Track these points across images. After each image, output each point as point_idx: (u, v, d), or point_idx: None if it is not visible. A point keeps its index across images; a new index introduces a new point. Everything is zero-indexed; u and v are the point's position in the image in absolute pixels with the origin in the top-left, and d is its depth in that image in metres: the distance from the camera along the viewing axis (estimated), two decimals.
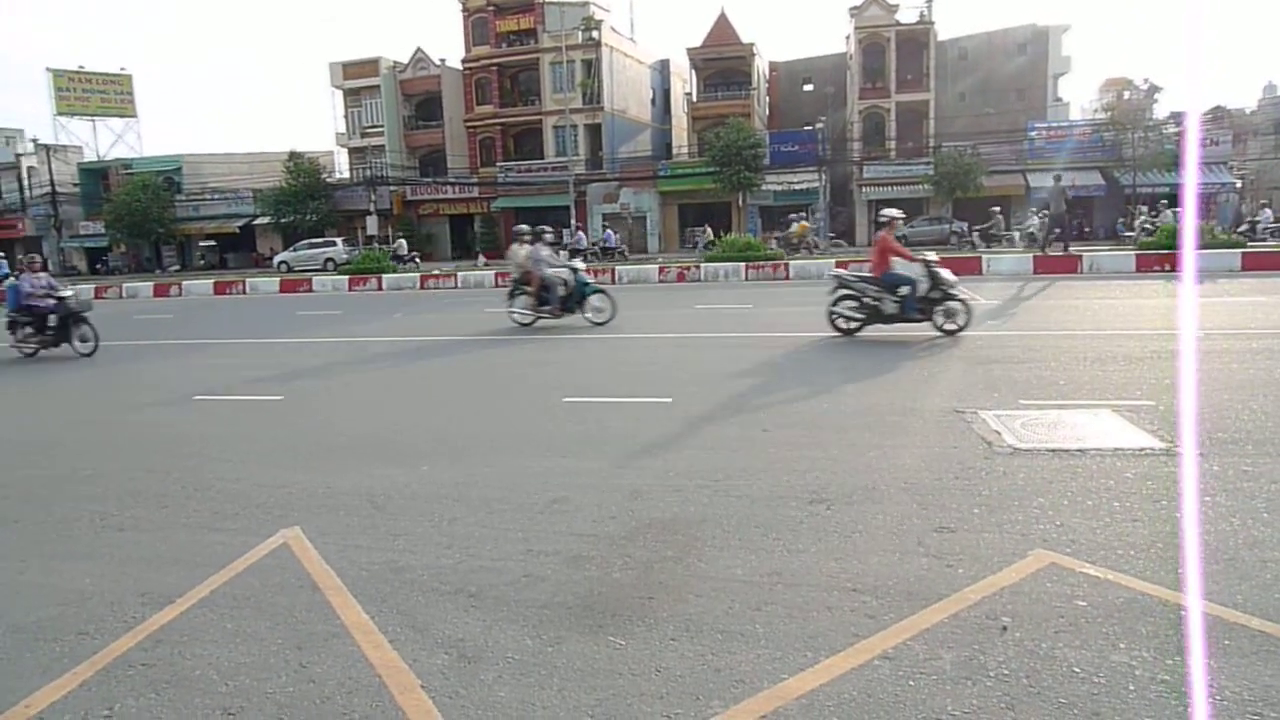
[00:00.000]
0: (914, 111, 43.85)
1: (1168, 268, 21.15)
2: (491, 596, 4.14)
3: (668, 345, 12.48)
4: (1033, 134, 41.22)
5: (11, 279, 17.78)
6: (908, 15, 43.84)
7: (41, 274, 14.59)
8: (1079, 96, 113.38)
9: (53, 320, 13.95)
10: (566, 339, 13.83)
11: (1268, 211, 33.35)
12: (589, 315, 14.40)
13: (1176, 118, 38.98)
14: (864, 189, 42.05)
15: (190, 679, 3.54)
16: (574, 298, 14.38)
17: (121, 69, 58.12)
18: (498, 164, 47.09)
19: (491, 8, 47.54)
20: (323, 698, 3.34)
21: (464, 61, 48.79)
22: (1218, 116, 41.24)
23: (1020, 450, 6.08)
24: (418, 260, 38.12)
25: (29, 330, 14.17)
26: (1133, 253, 22.96)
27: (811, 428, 6.97)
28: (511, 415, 8.20)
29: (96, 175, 54.81)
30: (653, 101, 53.22)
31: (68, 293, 14.17)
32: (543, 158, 46.50)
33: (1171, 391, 7.83)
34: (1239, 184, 40.97)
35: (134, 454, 7.36)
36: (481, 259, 38.93)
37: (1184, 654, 3.40)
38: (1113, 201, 38.96)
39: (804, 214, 38.75)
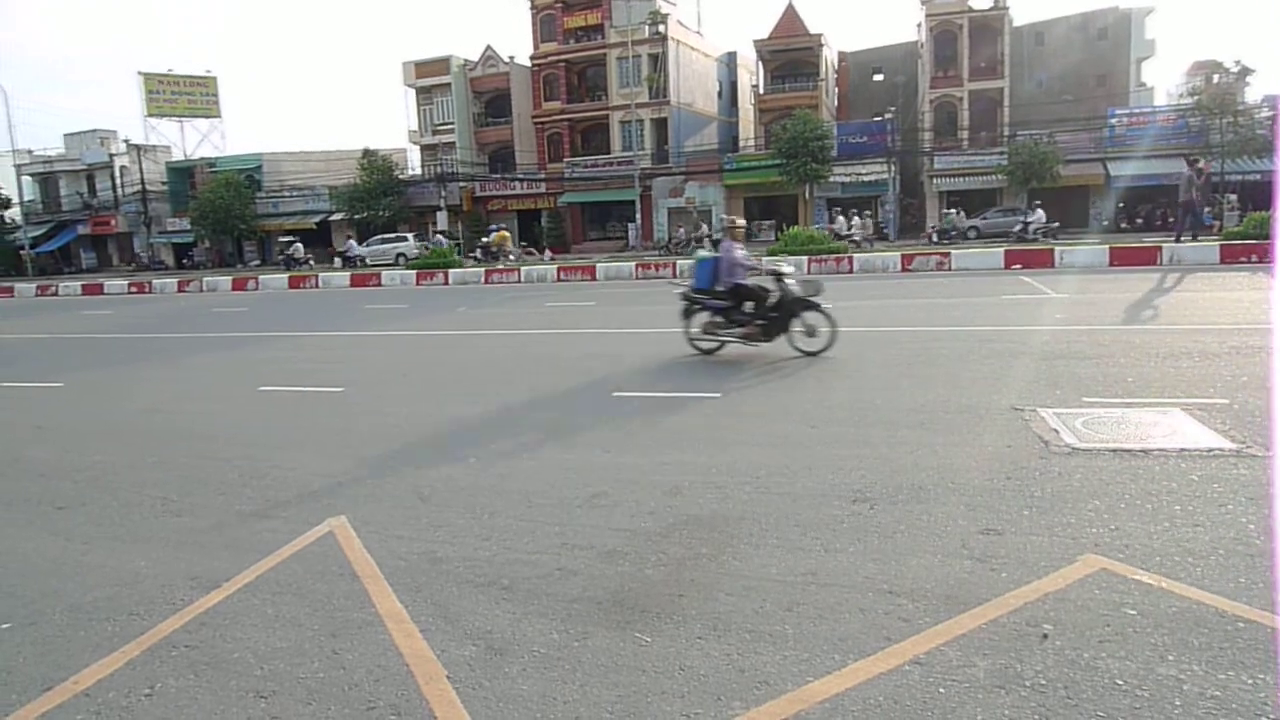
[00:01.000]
0: (988, 100, 42.58)
1: (1255, 259, 20.09)
2: (524, 589, 4.16)
3: None
4: (1113, 121, 39.58)
5: (702, 250, 13.33)
6: (981, 1, 42.55)
7: (740, 242, 10.73)
8: (1164, 81, 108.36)
9: (770, 305, 10.36)
10: (627, 333, 13.86)
11: (1040, 212, 31.13)
12: None
13: (1270, 101, 36.94)
14: (935, 180, 41.01)
15: (228, 661, 3.65)
16: None
17: (207, 72, 60.48)
18: (565, 159, 47.44)
19: (559, 4, 47.87)
20: (351, 684, 3.40)
21: (532, 58, 49.27)
22: None
23: (1079, 450, 5.84)
24: (511, 256, 37.50)
25: (720, 318, 10.58)
26: (1217, 243, 21.86)
27: (861, 425, 6.82)
28: (561, 408, 8.24)
29: (183, 173, 57.13)
30: (719, 94, 52.85)
31: (787, 268, 10.65)
32: (609, 153, 46.66)
33: (1249, 390, 7.42)
34: None
35: (198, 442, 7.63)
36: (548, 254, 39.20)
37: (1238, 668, 3.22)
38: (1200, 190, 37.14)
39: (503, 224, 39.21)
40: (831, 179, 40.48)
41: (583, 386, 9.29)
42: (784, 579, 4.12)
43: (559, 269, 28.43)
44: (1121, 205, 38.95)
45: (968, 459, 5.76)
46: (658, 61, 45.66)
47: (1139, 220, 38.20)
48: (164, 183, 56.82)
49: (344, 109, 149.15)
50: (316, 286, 31.87)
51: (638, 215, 41.94)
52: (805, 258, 24.17)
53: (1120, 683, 3.15)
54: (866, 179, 40.94)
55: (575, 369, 10.43)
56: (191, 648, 3.79)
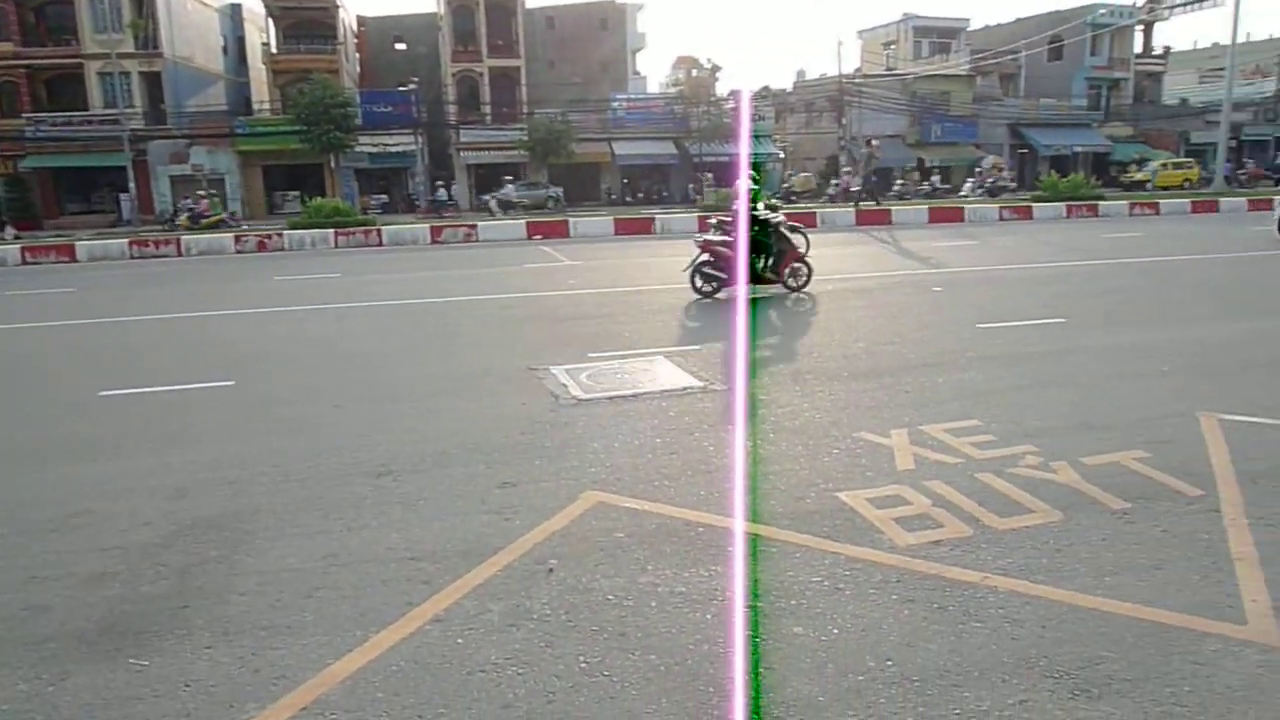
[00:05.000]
0: (507, 77, 44.64)
1: None
2: None
3: (234, 323, 11.35)
4: (615, 105, 44.27)
5: None
6: None
7: None
8: (656, 72, 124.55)
9: None
10: (118, 322, 12.02)
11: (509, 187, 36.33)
12: None
13: (734, 95, 44.32)
14: (463, 153, 42.07)
15: None
16: None
17: None
18: (24, 115, 39.09)
19: None
20: None
21: None
22: (764, 95, 47.79)
23: (583, 400, 6.54)
24: None
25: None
26: (696, 214, 25.86)
27: (386, 398, 6.82)
28: (28, 417, 6.90)
29: None
30: (224, 50, 47.83)
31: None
32: (87, 109, 39.52)
33: (714, 336, 8.97)
34: (782, 154, 48.04)
35: None
36: (10, 231, 32.13)
37: (698, 565, 3.90)
38: (684, 169, 43.45)
39: None
40: (358, 149, 39.27)
41: (58, 386, 7.88)
42: (304, 567, 3.97)
43: (24, 249, 23.43)
44: (626, 181, 43.91)
45: (487, 420, 6.11)
46: (143, 6, 39.72)
47: (640, 195, 43.46)
48: None
49: None
50: None
51: (131, 184, 36.35)
52: (332, 230, 23.20)
53: (611, 598, 3.63)
54: (395, 150, 40.46)
55: (49, 370, 8.80)
56: None
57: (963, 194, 36.24)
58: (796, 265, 11.71)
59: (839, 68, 42.71)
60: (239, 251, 22.73)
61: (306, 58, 42.47)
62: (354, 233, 23.33)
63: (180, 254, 22.33)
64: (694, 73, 44.01)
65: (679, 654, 3.19)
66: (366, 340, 9.45)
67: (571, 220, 24.92)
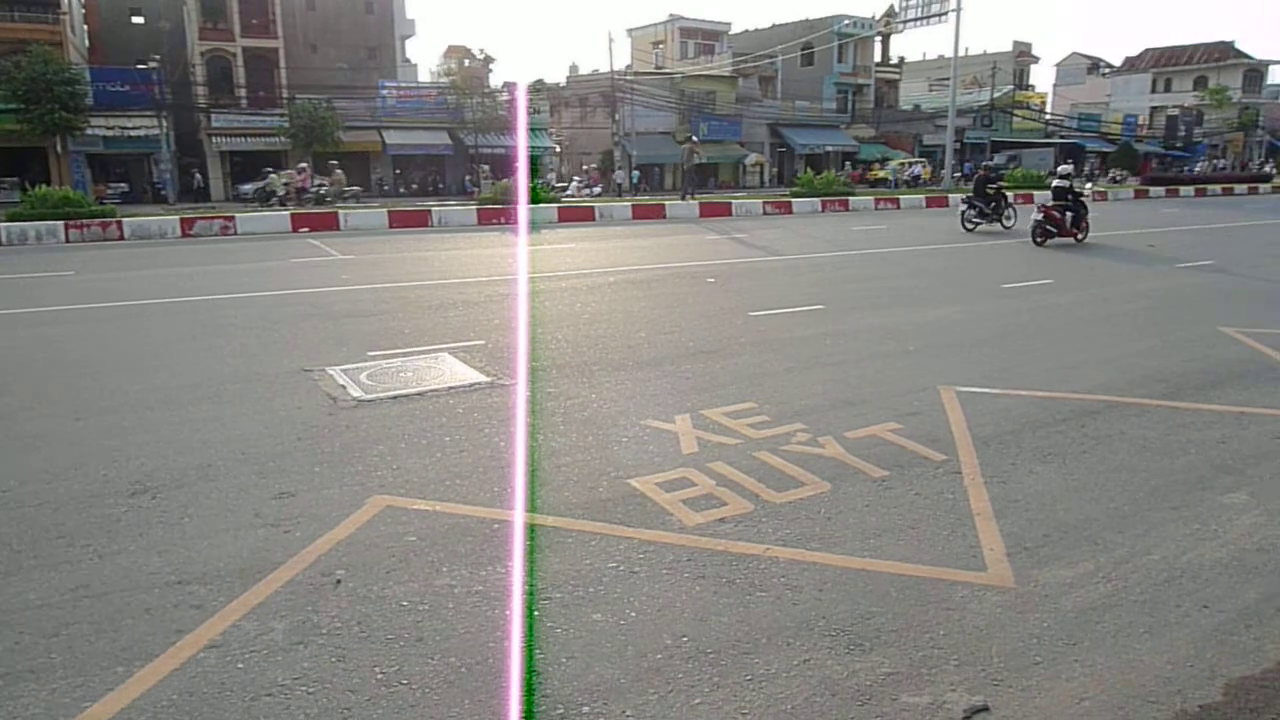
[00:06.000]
0: (263, 59, 41.52)
1: (503, 221, 23.99)
2: None
3: None
4: (385, 92, 42.51)
5: None
6: None
7: None
8: (427, 60, 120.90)
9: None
10: None
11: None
12: None
13: (509, 87, 43.95)
14: (215, 139, 38.71)
15: None
16: None
17: None
18: None
19: None
20: None
21: None
22: (539, 88, 47.74)
23: (364, 401, 6.25)
24: None
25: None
26: (475, 207, 25.44)
27: (136, 408, 6.15)
28: None
29: None
30: None
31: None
32: None
33: (500, 331, 8.88)
34: (558, 148, 48.34)
35: None
36: None
37: (494, 562, 3.86)
38: (459, 160, 42.59)
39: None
40: (91, 131, 35.05)
41: None
42: (47, 602, 3.52)
43: None
44: (399, 172, 42.37)
45: (259, 427, 5.69)
46: None
47: (414, 186, 42.09)
48: None
49: None
50: None
51: None
52: (62, 223, 20.51)
53: (405, 604, 3.51)
54: (135, 134, 36.47)
55: None
56: None
57: (569, 194, 37.54)
58: (1085, 225, 17.60)
59: (611, 64, 43.62)
60: None
61: (22, 26, 37.22)
62: (89, 225, 20.73)
63: None
64: (466, 63, 43.24)
65: (480, 654, 3.16)
66: (111, 345, 8.48)
67: (342, 212, 23.63)
